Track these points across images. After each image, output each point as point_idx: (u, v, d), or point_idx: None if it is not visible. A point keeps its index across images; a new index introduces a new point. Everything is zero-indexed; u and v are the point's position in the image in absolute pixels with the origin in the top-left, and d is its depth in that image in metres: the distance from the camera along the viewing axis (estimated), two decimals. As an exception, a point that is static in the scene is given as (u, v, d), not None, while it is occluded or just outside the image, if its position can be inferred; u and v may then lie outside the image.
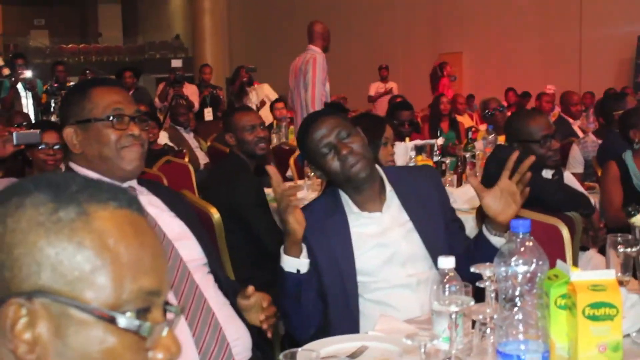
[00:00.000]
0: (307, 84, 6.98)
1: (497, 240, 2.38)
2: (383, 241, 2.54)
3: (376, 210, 2.58)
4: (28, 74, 9.37)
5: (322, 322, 2.51)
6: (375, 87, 14.01)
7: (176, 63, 10.93)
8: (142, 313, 1.00)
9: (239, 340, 2.29)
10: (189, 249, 2.34)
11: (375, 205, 2.59)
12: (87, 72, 10.47)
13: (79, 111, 2.29)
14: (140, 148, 2.31)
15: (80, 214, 0.98)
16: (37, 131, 3.40)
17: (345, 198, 2.59)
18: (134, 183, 2.37)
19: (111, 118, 2.26)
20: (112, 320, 0.96)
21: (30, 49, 23.12)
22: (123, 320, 0.97)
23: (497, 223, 2.37)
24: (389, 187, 2.61)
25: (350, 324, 2.45)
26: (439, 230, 2.58)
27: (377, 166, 2.66)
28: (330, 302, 2.50)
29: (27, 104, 9.13)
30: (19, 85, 9.17)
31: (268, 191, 4.41)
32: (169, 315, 1.07)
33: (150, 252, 1.03)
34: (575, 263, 3.27)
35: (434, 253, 2.43)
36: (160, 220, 2.33)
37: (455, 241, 2.59)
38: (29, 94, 9.19)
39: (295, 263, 2.39)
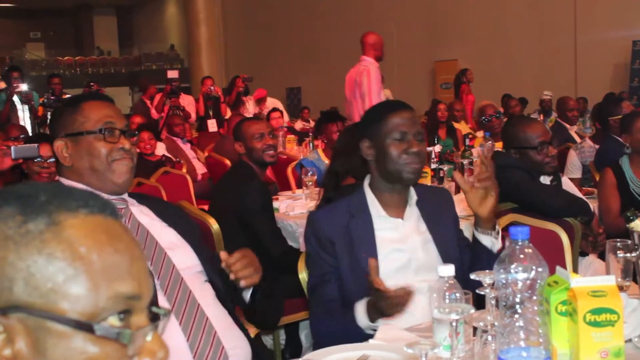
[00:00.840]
0: (364, 94, 7.10)
1: (485, 239, 2.49)
2: (401, 247, 2.57)
3: (398, 217, 2.62)
4: (24, 87, 9.36)
5: None
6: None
7: (172, 74, 10.92)
8: (123, 318, 0.99)
9: (238, 349, 2.29)
10: (183, 257, 2.36)
11: (398, 212, 2.63)
12: (92, 84, 10.44)
13: (70, 124, 2.32)
14: (130, 162, 2.34)
15: (50, 224, 0.97)
16: (35, 145, 3.41)
17: (372, 199, 2.62)
18: (124, 195, 2.39)
19: (103, 131, 2.28)
20: (89, 329, 0.95)
21: (26, 62, 23.15)
22: (101, 329, 0.95)
23: (482, 218, 2.48)
24: (414, 198, 2.64)
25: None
26: (452, 244, 2.61)
27: None
28: (353, 303, 2.49)
29: (24, 117, 9.12)
30: (15, 98, 9.16)
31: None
32: (155, 319, 1.05)
33: (126, 257, 1.01)
34: (575, 269, 3.27)
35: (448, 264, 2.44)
36: (152, 229, 2.35)
37: (464, 258, 2.63)
38: (26, 107, 9.17)
39: (372, 326, 2.37)
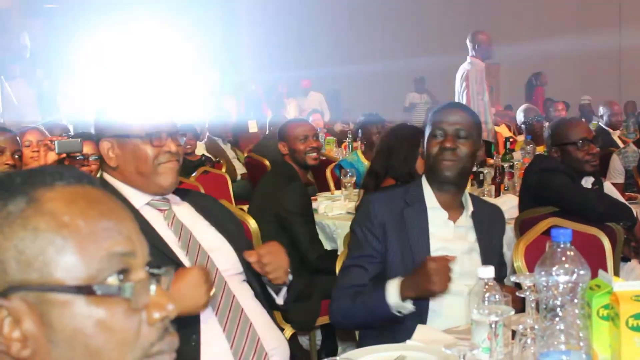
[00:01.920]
0: (463, 97, 7.31)
1: None
2: (449, 247, 2.56)
3: (451, 219, 2.62)
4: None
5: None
6: (411, 98, 13.97)
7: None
8: (122, 277, 1.00)
9: (277, 349, 2.28)
10: (225, 259, 2.34)
11: (452, 214, 2.63)
12: None
13: (115, 127, 2.32)
14: (176, 164, 2.34)
15: (29, 202, 0.99)
16: (79, 140, 3.44)
17: (428, 191, 2.63)
18: (168, 195, 2.39)
19: (149, 134, 2.28)
20: (90, 292, 0.96)
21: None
22: (101, 288, 0.97)
23: None
24: (470, 208, 2.65)
25: (419, 316, 2.45)
26: (495, 261, 2.57)
27: (466, 190, 2.71)
28: None
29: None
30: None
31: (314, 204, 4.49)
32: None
33: (112, 217, 1.02)
34: (616, 274, 3.22)
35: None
36: (195, 230, 2.34)
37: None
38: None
39: (402, 306, 2.37)
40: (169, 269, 1.08)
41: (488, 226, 2.67)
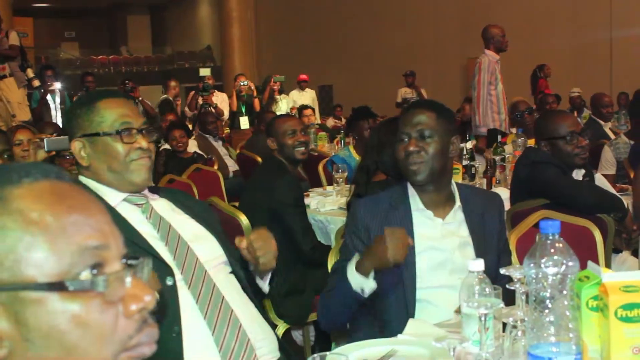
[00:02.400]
0: (475, 85, 7.50)
1: None
2: (438, 245, 2.57)
3: (439, 216, 2.61)
4: (57, 85, 9.48)
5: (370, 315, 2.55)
6: (403, 93, 13.98)
7: (204, 71, 10.99)
8: (96, 271, 0.99)
9: (265, 341, 2.28)
10: (207, 249, 2.35)
11: (439, 212, 2.62)
12: (127, 82, 10.50)
13: (86, 125, 2.31)
14: (148, 160, 2.33)
15: None
16: (67, 137, 3.44)
17: (412, 193, 2.63)
18: (145, 190, 2.39)
19: (120, 132, 2.28)
20: (62, 288, 0.95)
21: (61, 61, 23.40)
22: (73, 284, 0.96)
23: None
24: (457, 203, 2.64)
25: (405, 314, 2.46)
26: (492, 253, 2.57)
27: (453, 181, 2.70)
28: (386, 294, 2.50)
29: (56, 115, 9.24)
30: (49, 97, 9.29)
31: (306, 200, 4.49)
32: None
33: (82, 211, 1.02)
34: (608, 265, 3.23)
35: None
36: (174, 222, 2.34)
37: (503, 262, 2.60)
38: (59, 105, 9.30)
39: (363, 282, 2.37)
40: (146, 259, 1.07)
41: (480, 215, 2.66)
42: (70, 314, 0.96)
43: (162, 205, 2.39)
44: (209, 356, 2.16)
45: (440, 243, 2.57)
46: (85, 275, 0.98)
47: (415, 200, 2.62)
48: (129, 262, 1.05)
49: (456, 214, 2.63)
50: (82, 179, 2.34)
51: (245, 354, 2.20)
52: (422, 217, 2.60)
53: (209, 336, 2.17)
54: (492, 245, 2.64)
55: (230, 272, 2.39)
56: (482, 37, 7.63)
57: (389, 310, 2.52)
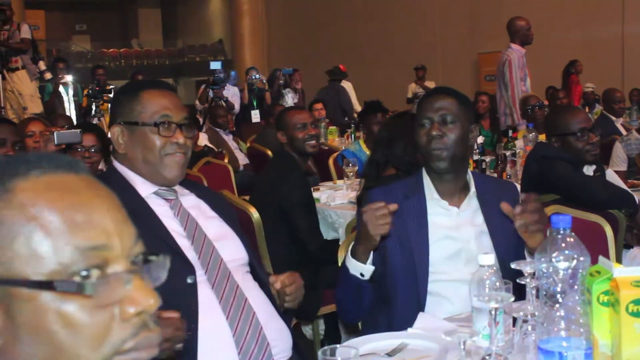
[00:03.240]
0: (507, 84, 7.35)
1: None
2: (454, 235, 2.55)
3: (454, 205, 2.60)
4: (69, 77, 9.51)
5: (382, 305, 2.54)
6: (413, 88, 13.96)
7: (215, 65, 11.00)
8: (99, 272, 0.97)
9: (279, 340, 2.28)
10: (231, 249, 2.35)
11: (454, 200, 2.61)
12: (138, 75, 10.54)
13: (127, 112, 2.31)
14: (183, 157, 2.33)
15: (3, 192, 0.97)
16: (78, 131, 3.44)
17: (427, 182, 2.62)
18: (176, 185, 2.38)
19: (158, 124, 2.28)
20: (50, 287, 0.94)
21: (72, 54, 23.43)
22: (61, 285, 0.94)
23: (531, 248, 2.32)
24: (472, 190, 2.62)
25: (417, 306, 2.45)
26: (510, 241, 2.51)
27: (469, 170, 2.68)
28: (398, 284, 2.50)
29: (69, 108, 9.27)
30: (62, 89, 9.33)
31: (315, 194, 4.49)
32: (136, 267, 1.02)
33: (85, 209, 0.99)
34: (618, 261, 3.23)
35: (501, 260, 2.40)
36: (201, 220, 2.34)
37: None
38: (71, 98, 9.33)
39: (360, 267, 2.40)
40: (165, 257, 1.05)
41: (497, 201, 2.55)
42: (59, 314, 0.94)
43: (191, 202, 2.39)
44: (226, 356, 2.15)
45: (456, 232, 2.55)
46: (77, 277, 0.95)
47: (430, 190, 2.60)
48: (149, 257, 1.03)
49: (471, 201, 2.61)
50: (117, 165, 2.35)
51: (264, 356, 2.20)
52: (436, 207, 2.59)
53: (229, 336, 2.17)
54: (509, 230, 2.54)
55: (248, 272, 2.39)
56: (508, 31, 7.56)
57: (399, 303, 2.50)
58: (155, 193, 2.33)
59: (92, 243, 0.98)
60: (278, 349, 2.26)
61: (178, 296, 2.03)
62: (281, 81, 11.47)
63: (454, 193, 2.62)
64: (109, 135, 2.37)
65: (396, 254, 2.51)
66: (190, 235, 2.28)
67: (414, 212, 2.55)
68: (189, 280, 2.16)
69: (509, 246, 2.50)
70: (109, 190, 1.05)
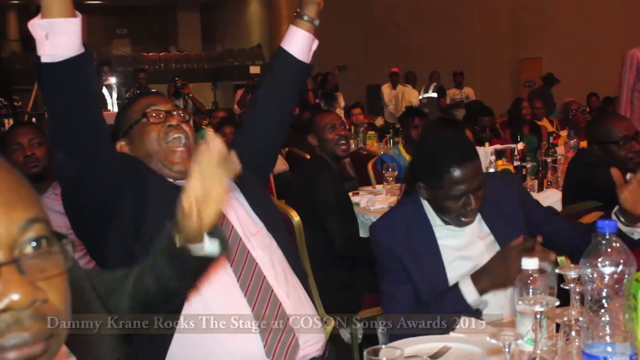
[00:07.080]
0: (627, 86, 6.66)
1: (627, 229, 2.47)
2: (466, 254, 2.54)
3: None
4: (112, 80, 9.69)
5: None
6: (452, 94, 13.91)
7: (254, 69, 11.08)
8: None
9: (309, 335, 2.30)
10: (259, 239, 2.35)
11: None
12: (177, 79, 10.65)
13: (122, 124, 2.40)
14: (185, 152, 2.32)
15: None
16: None
17: (429, 209, 2.58)
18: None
19: (145, 115, 2.34)
20: None
21: (113, 58, 23.71)
22: None
23: (635, 216, 2.41)
24: None
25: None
26: (518, 230, 2.50)
27: None
28: None
29: (113, 110, 9.43)
30: (105, 91, 9.49)
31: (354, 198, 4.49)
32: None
33: None
34: (662, 268, 3.19)
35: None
36: (228, 211, 2.32)
37: (553, 229, 2.59)
38: (115, 100, 9.50)
39: (480, 301, 2.39)
40: (67, 241, 0.95)
41: (495, 202, 2.58)
42: None
43: (236, 197, 2.40)
44: (244, 327, 2.17)
45: (468, 251, 2.54)
46: None
47: (432, 216, 2.57)
48: (45, 243, 0.92)
49: None
50: None
51: (285, 330, 2.21)
52: (443, 230, 2.55)
53: (248, 311, 2.19)
54: (516, 226, 2.56)
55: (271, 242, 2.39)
56: None
57: None
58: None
59: None
60: (308, 343, 2.28)
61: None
62: (333, 84, 11.48)
63: None
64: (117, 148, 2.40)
65: (418, 283, 2.48)
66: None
67: (423, 241, 2.53)
68: None
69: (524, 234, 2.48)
70: (7, 171, 0.94)
